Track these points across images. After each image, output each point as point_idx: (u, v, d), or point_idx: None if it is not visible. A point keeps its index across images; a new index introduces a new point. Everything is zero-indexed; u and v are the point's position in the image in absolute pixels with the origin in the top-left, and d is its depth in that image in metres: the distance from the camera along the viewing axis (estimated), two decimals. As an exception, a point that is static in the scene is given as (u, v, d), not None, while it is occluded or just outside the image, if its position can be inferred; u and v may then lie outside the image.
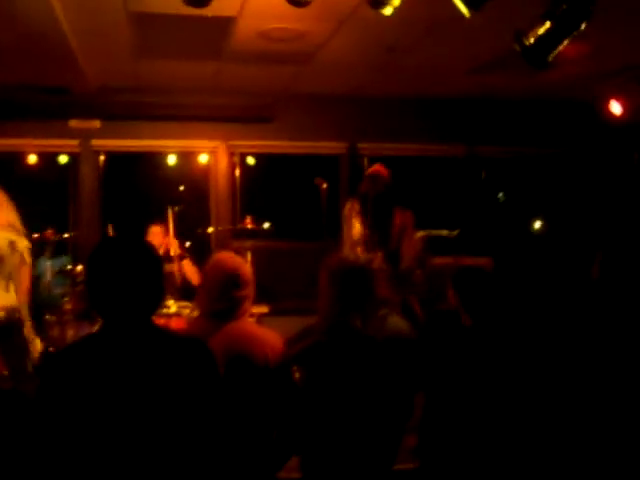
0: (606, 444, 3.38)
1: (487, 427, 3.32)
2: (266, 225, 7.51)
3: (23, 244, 5.11)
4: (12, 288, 5.01)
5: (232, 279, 3.35)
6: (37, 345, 5.17)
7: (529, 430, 3.32)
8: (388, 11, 4.27)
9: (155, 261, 2.49)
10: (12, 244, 5.00)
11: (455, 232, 7.56)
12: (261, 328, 3.63)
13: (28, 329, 5.08)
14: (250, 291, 3.43)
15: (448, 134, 8.33)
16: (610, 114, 7.70)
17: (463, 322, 3.63)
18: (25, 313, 5.09)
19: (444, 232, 7.57)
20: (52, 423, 2.34)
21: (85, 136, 7.78)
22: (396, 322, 3.46)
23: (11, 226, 5.11)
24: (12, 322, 4.96)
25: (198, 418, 2.39)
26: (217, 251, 6.23)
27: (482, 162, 8.58)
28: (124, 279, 2.40)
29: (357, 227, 5.80)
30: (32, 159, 8.00)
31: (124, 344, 2.38)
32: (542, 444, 3.31)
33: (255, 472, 3.11)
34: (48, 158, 8.15)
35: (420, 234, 6.31)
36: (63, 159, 8.13)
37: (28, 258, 5.16)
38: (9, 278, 5.00)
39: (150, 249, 2.52)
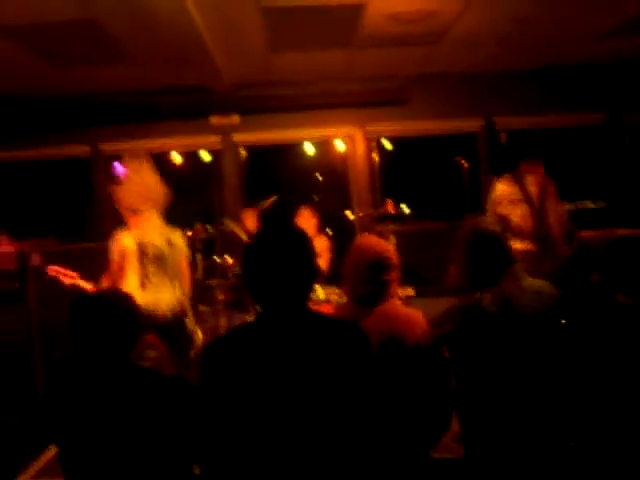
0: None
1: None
2: (406, 208, 7.49)
3: (179, 237, 5.08)
4: (177, 285, 5.00)
5: (379, 262, 3.36)
6: (199, 335, 5.24)
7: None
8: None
9: (308, 246, 2.54)
10: (169, 240, 4.97)
11: (602, 204, 7.29)
12: (409, 310, 3.61)
13: (191, 320, 5.14)
14: (396, 274, 3.43)
15: (586, 102, 8.02)
16: None
17: (617, 299, 3.48)
18: (187, 305, 5.10)
19: (590, 204, 7.32)
20: (215, 408, 2.44)
21: (226, 132, 8.05)
22: (533, 282, 3.33)
23: (157, 201, 5.02)
24: (178, 318, 4.99)
25: (356, 400, 2.43)
26: (360, 236, 6.28)
27: (624, 128, 8.21)
28: (281, 266, 2.46)
29: (518, 214, 5.63)
30: (177, 159, 8.33)
31: (282, 329, 2.44)
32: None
33: (410, 450, 3.13)
34: (191, 157, 8.46)
35: (566, 207, 6.12)
36: (206, 157, 8.42)
37: (186, 250, 5.13)
38: (173, 276, 4.97)
39: (302, 234, 2.58)
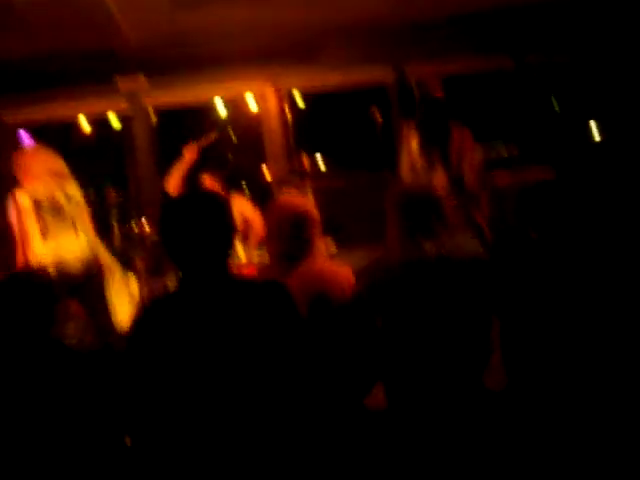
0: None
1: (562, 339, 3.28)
2: (323, 162, 7.47)
3: (77, 192, 5.10)
4: (81, 235, 5.01)
5: (299, 219, 3.35)
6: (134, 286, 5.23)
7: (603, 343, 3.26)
8: None
9: (224, 208, 2.54)
10: (67, 194, 4.98)
11: (514, 148, 7.42)
12: (335, 266, 3.62)
13: (117, 275, 5.15)
14: (317, 230, 3.43)
15: (494, 47, 8.07)
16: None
17: (529, 238, 3.56)
18: (106, 258, 5.14)
19: (501, 148, 7.44)
20: (144, 379, 2.41)
21: (133, 95, 7.83)
22: (465, 243, 3.39)
23: (60, 175, 5.07)
24: (91, 271, 4.99)
25: (285, 360, 2.43)
26: (278, 195, 6.22)
27: (533, 71, 8.32)
28: (198, 230, 2.44)
29: (414, 145, 5.66)
30: (87, 128, 8.09)
31: (205, 295, 2.43)
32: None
33: (342, 403, 3.15)
34: (102, 125, 8.23)
35: (479, 154, 6.20)
36: (116, 124, 8.19)
37: (85, 206, 5.16)
38: (75, 226, 4.99)
39: (217, 198, 2.58)
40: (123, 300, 5.19)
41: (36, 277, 3.06)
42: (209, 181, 6.98)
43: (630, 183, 6.10)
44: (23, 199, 4.82)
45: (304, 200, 3.54)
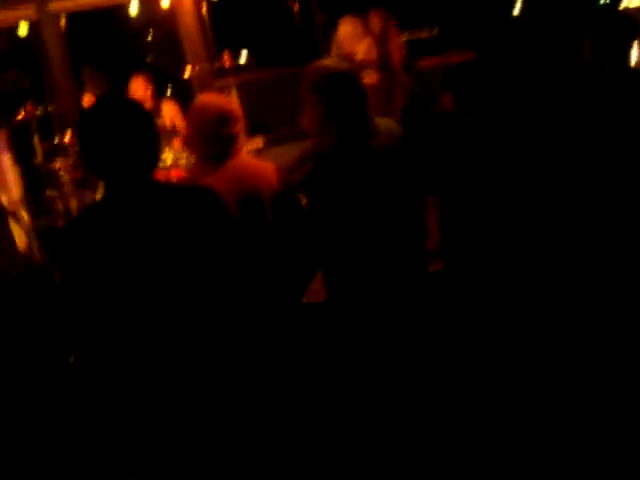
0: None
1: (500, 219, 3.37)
2: (244, 58, 7.31)
3: None
4: None
5: (221, 118, 3.30)
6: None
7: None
8: None
9: (145, 116, 2.46)
10: None
11: (435, 30, 7.36)
12: (260, 162, 3.60)
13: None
14: (241, 127, 3.39)
15: None
16: None
17: (463, 121, 3.59)
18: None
19: (424, 32, 7.37)
20: (77, 294, 2.39)
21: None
22: (382, 121, 3.34)
23: None
24: None
25: (217, 261, 2.43)
26: (199, 93, 6.09)
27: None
28: (118, 138, 2.37)
29: (362, 50, 5.61)
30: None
31: (131, 205, 2.38)
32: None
33: (281, 299, 3.19)
34: (7, 34, 7.84)
35: (402, 37, 6.16)
36: (23, 31, 7.81)
37: None
38: None
39: (137, 105, 2.49)
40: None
41: None
42: (141, 81, 6.81)
43: (548, 57, 6.16)
44: None
45: (225, 98, 3.48)
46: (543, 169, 3.43)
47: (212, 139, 3.32)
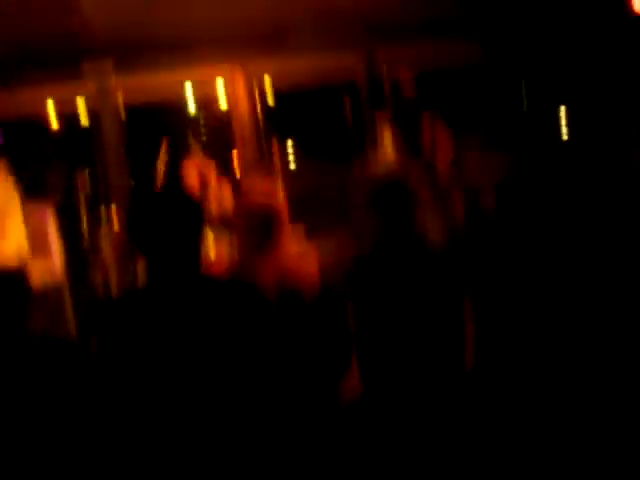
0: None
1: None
2: (292, 147, 7.43)
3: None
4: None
5: (267, 213, 3.34)
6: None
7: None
8: None
9: (194, 205, 2.52)
10: None
11: (481, 137, 7.44)
12: (302, 253, 3.62)
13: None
14: (285, 218, 3.42)
15: (465, 35, 8.07)
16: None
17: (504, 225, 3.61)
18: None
19: (471, 138, 7.46)
20: (114, 375, 2.39)
21: (101, 79, 7.72)
22: (433, 229, 3.42)
23: None
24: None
25: (253, 357, 2.42)
26: (246, 179, 6.20)
27: (503, 62, 8.33)
28: (166, 231, 2.42)
29: (387, 137, 5.67)
30: (55, 124, 7.97)
31: (173, 291, 2.41)
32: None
33: (314, 394, 3.17)
34: (70, 122, 8.11)
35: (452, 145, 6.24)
36: (84, 120, 8.08)
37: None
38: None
39: (188, 193, 2.56)
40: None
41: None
42: (193, 167, 6.95)
43: (596, 180, 6.16)
44: None
45: (271, 190, 3.51)
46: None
47: (255, 229, 3.36)
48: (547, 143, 8.05)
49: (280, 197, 3.55)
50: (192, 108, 8.17)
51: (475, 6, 7.97)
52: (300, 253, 3.61)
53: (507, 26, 8.05)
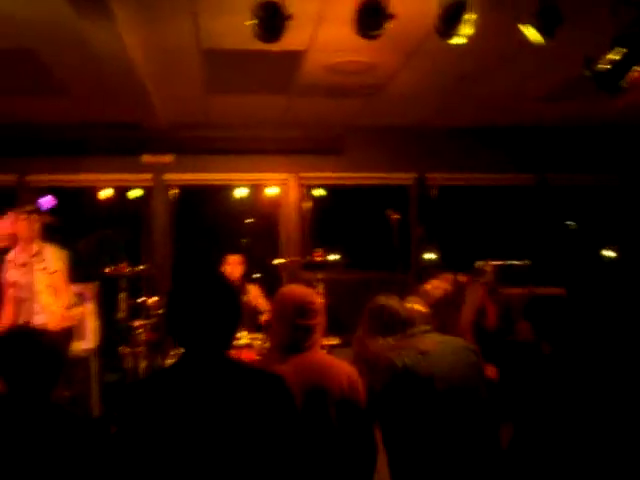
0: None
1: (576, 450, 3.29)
2: (336, 257, 7.50)
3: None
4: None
5: (300, 309, 3.33)
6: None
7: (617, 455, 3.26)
8: (459, 40, 4.25)
9: (233, 293, 2.53)
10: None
11: (526, 262, 7.42)
12: (334, 359, 3.60)
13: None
14: (320, 321, 3.41)
15: (518, 163, 8.24)
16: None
17: (540, 351, 3.59)
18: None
19: (515, 262, 7.44)
20: (132, 453, 2.37)
21: (157, 170, 7.96)
22: (445, 337, 3.48)
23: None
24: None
25: (274, 452, 2.39)
26: (287, 283, 6.25)
27: (553, 191, 8.45)
28: (203, 312, 2.43)
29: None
30: (104, 194, 8.20)
31: (201, 376, 2.40)
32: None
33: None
34: (120, 193, 8.34)
35: (491, 264, 6.23)
36: (134, 194, 8.30)
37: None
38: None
39: (228, 281, 2.57)
40: None
41: (47, 335, 3.04)
42: (235, 264, 7.07)
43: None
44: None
45: (309, 290, 3.53)
46: (619, 413, 3.33)
47: (288, 327, 3.36)
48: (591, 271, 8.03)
49: (317, 298, 3.56)
50: (241, 210, 8.35)
51: (531, 138, 8.15)
52: (332, 358, 3.59)
53: (560, 158, 8.18)
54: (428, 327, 3.50)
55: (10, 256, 5.54)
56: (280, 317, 3.43)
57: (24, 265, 5.42)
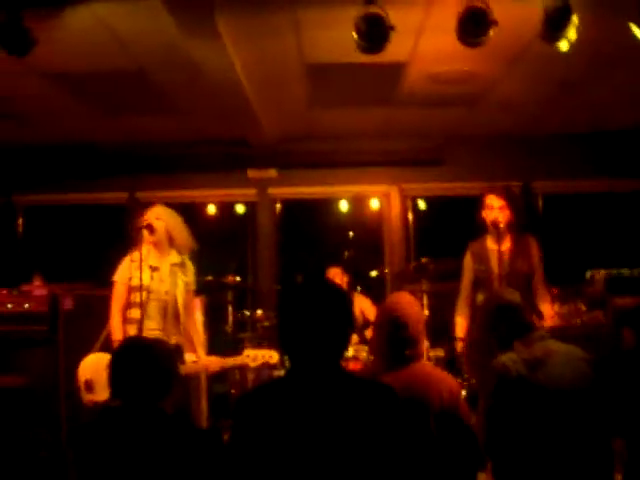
0: None
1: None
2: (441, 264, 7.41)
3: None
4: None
5: (396, 322, 3.31)
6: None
7: None
8: (564, 45, 4.17)
9: (345, 304, 2.52)
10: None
11: (637, 270, 7.17)
12: (436, 370, 3.57)
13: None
14: (419, 333, 3.37)
15: (625, 168, 7.95)
16: None
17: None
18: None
19: (626, 271, 7.20)
20: (244, 464, 2.39)
21: (262, 185, 8.09)
22: (559, 344, 3.35)
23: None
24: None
25: (385, 464, 2.38)
26: (392, 294, 6.23)
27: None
28: (316, 322, 2.43)
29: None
30: (211, 209, 8.39)
31: (314, 388, 2.39)
32: None
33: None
34: (226, 208, 8.51)
35: (602, 273, 6.06)
36: (240, 209, 8.47)
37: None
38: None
39: (340, 292, 2.55)
40: None
41: (164, 346, 3.15)
42: (336, 276, 7.14)
43: None
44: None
45: (412, 302, 3.49)
46: None
47: (387, 341, 3.35)
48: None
49: (418, 310, 3.52)
50: (344, 222, 8.38)
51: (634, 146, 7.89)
52: (436, 370, 3.56)
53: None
54: (544, 332, 3.41)
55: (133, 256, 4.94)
56: (378, 330, 3.44)
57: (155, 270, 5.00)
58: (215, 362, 5.13)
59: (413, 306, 3.44)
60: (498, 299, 3.51)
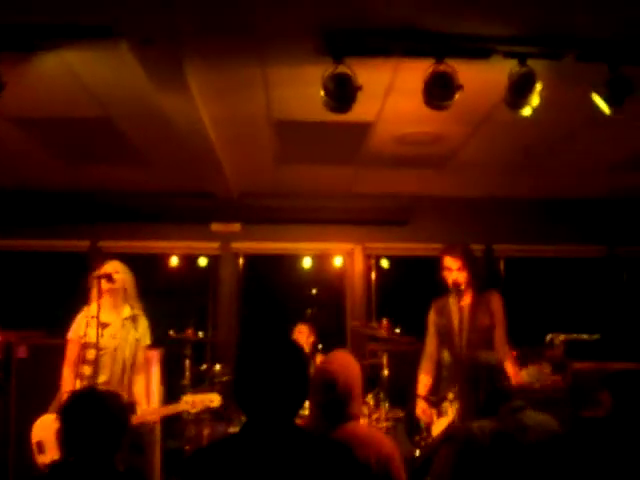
0: None
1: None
2: (398, 330, 7.42)
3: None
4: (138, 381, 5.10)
5: (326, 382, 3.28)
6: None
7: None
8: (527, 112, 4.25)
9: (302, 360, 2.50)
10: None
11: (596, 336, 7.23)
12: (371, 431, 3.53)
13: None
14: (350, 393, 3.32)
15: (586, 235, 8.09)
16: None
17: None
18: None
19: (584, 336, 7.26)
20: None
21: (225, 239, 8.06)
22: (535, 416, 3.33)
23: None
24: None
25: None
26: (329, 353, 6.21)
27: (623, 263, 8.27)
28: (273, 378, 2.40)
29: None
30: (174, 261, 8.34)
31: (268, 445, 2.34)
32: None
33: None
34: (189, 260, 8.47)
35: (562, 337, 6.10)
36: (203, 262, 8.43)
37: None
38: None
39: (297, 348, 2.54)
40: None
41: (114, 398, 3.09)
42: (302, 333, 7.09)
43: None
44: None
45: (346, 362, 3.43)
46: None
47: (316, 401, 3.32)
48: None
49: (354, 371, 3.47)
50: (307, 279, 8.37)
51: (599, 212, 8.01)
52: (371, 431, 3.52)
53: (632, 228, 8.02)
54: (522, 402, 3.40)
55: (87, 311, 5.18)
56: (311, 389, 3.40)
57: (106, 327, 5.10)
58: (153, 411, 5.12)
59: (347, 366, 3.38)
60: (474, 361, 3.51)
